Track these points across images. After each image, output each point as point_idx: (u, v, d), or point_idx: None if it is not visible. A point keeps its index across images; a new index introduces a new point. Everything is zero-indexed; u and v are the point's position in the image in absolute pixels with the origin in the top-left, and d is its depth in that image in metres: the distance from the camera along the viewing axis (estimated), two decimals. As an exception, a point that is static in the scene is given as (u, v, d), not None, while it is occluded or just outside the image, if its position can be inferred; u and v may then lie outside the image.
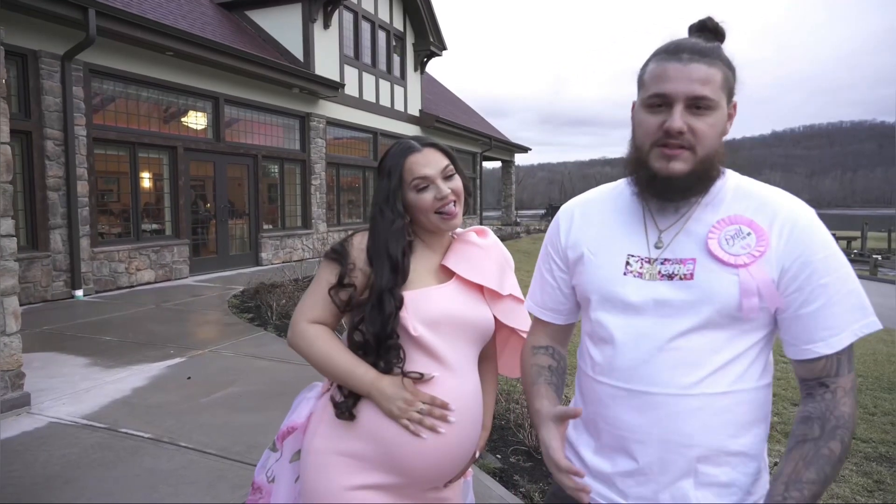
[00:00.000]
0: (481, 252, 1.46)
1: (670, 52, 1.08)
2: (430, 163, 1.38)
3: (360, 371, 1.32)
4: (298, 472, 1.43)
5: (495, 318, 1.47)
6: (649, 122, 1.09)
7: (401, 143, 1.43)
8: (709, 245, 1.09)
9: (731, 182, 1.15)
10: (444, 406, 1.32)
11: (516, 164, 26.64)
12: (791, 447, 1.05)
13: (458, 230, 1.51)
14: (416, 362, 1.33)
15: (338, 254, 1.39)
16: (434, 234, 1.45)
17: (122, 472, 3.00)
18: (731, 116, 1.12)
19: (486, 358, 1.54)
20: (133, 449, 3.28)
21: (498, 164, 26.19)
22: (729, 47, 1.14)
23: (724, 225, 1.10)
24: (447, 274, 1.44)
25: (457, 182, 1.41)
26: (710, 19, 1.13)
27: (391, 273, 1.34)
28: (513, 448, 3.29)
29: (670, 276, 1.10)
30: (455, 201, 1.40)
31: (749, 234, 1.08)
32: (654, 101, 1.08)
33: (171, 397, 4.12)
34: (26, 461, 3.11)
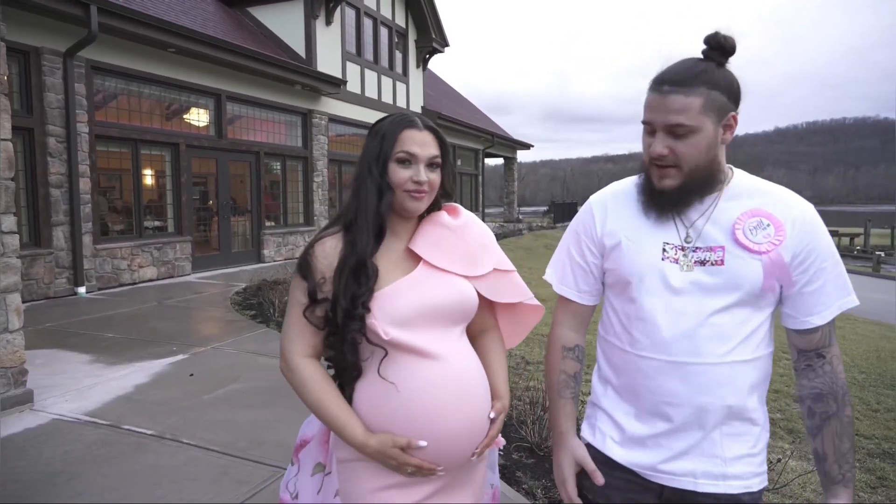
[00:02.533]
0: (451, 234, 1.42)
1: (656, 82, 1.26)
2: (423, 144, 1.37)
3: (349, 430, 1.30)
4: (320, 486, 1.43)
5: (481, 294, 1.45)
6: (645, 142, 1.31)
7: (404, 114, 1.41)
8: (736, 235, 1.26)
9: (744, 179, 1.33)
10: (432, 471, 1.31)
11: (519, 160, 26.59)
12: (818, 426, 1.28)
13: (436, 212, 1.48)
14: (394, 360, 1.30)
15: (305, 269, 1.35)
16: (399, 219, 1.41)
17: (125, 469, 3.01)
18: (729, 128, 1.26)
19: (487, 329, 1.51)
20: (136, 445, 3.29)
21: (500, 160, 26.17)
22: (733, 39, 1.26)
23: (747, 217, 1.27)
24: (414, 258, 1.39)
25: (436, 176, 1.39)
26: (718, 34, 1.24)
27: (375, 240, 1.34)
28: (515, 445, 3.30)
29: (703, 262, 1.27)
30: (427, 193, 1.38)
31: (769, 225, 1.26)
32: (646, 126, 1.29)
33: (174, 394, 4.13)
34: (29, 458, 3.12)
